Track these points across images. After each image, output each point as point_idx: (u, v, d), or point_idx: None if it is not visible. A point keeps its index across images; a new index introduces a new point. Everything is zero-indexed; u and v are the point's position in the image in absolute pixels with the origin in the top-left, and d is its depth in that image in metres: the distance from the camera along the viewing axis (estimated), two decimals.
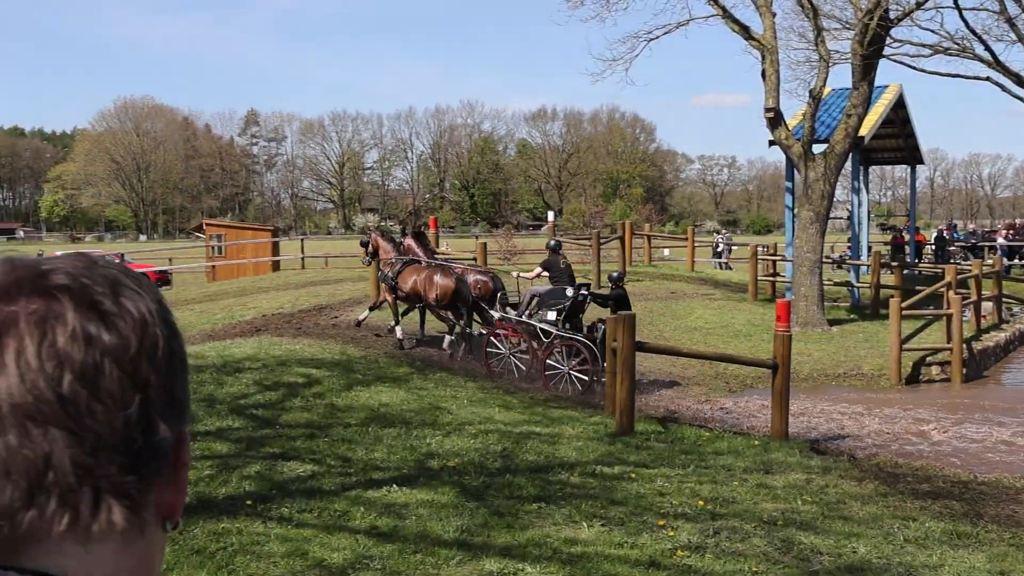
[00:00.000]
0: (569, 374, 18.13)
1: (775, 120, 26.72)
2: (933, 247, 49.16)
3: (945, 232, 51.82)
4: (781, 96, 26.64)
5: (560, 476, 10.82)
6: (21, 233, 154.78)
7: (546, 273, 20.65)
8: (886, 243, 47.78)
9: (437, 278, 19.96)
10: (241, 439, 11.69)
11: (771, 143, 27.93)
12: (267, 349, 18.00)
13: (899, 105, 35.25)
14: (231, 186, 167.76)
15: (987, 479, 12.40)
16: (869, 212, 39.11)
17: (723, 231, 61.89)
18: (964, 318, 22.94)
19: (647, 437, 13.51)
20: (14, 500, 0.94)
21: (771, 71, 26.42)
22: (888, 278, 31.50)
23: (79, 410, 0.96)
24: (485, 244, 29.53)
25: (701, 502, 9.92)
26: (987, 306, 27.39)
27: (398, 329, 20.67)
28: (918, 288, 26.78)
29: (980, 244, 49.65)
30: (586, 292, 19.41)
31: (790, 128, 27.70)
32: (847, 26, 27.84)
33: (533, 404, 15.57)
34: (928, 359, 21.96)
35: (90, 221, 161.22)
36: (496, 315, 19.65)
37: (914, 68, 28.06)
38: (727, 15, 27.30)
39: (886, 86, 33.69)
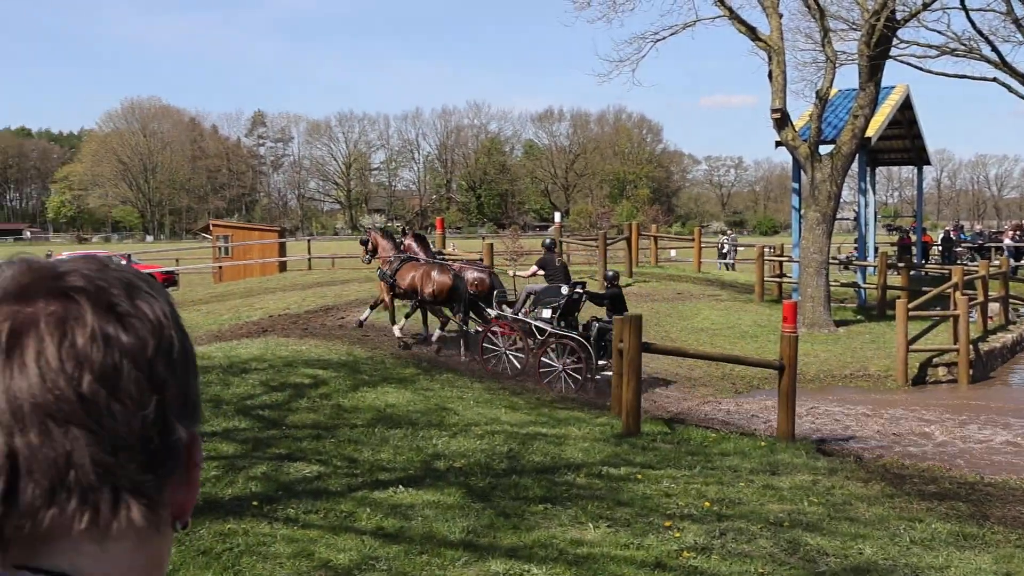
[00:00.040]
0: (563, 372, 18.21)
1: (782, 121, 26.70)
2: (940, 248, 49.03)
3: (952, 233, 51.65)
4: (788, 97, 26.65)
5: (566, 477, 10.82)
6: (28, 234, 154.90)
7: (542, 271, 20.81)
8: (893, 244, 47.71)
9: (434, 274, 20.16)
10: (247, 440, 11.70)
11: (778, 144, 27.95)
12: (273, 350, 18.00)
13: (906, 106, 35.21)
14: (238, 187, 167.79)
15: (993, 480, 12.38)
16: (876, 213, 39.11)
17: (729, 232, 61.78)
18: (971, 319, 22.91)
19: (653, 438, 13.51)
20: (36, 498, 0.95)
21: (778, 72, 26.40)
22: (895, 279, 31.49)
23: (99, 410, 0.97)
24: (492, 245, 29.52)
25: (707, 503, 9.92)
26: (994, 307, 27.36)
27: (396, 328, 20.74)
28: (925, 289, 26.72)
29: (987, 245, 49.51)
30: (581, 290, 19.49)
31: (797, 129, 27.68)
32: (854, 27, 27.84)
33: (539, 405, 15.57)
34: (935, 360, 21.95)
35: (97, 222, 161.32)
36: (493, 313, 19.75)
37: (921, 69, 28.03)
38: (734, 16, 27.29)
39: (893, 87, 33.65)
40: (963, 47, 27.15)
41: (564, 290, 19.11)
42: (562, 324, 18.86)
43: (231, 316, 25.80)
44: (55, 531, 0.97)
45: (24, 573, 0.97)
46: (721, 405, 18.51)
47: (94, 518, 0.97)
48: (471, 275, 20.66)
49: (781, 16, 26.83)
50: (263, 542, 8.07)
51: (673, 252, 51.78)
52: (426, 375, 17.03)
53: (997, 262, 32.84)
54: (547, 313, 18.93)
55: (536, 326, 18.91)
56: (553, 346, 18.50)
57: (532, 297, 19.51)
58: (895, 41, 26.88)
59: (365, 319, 21.48)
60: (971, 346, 22.07)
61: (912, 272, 32.13)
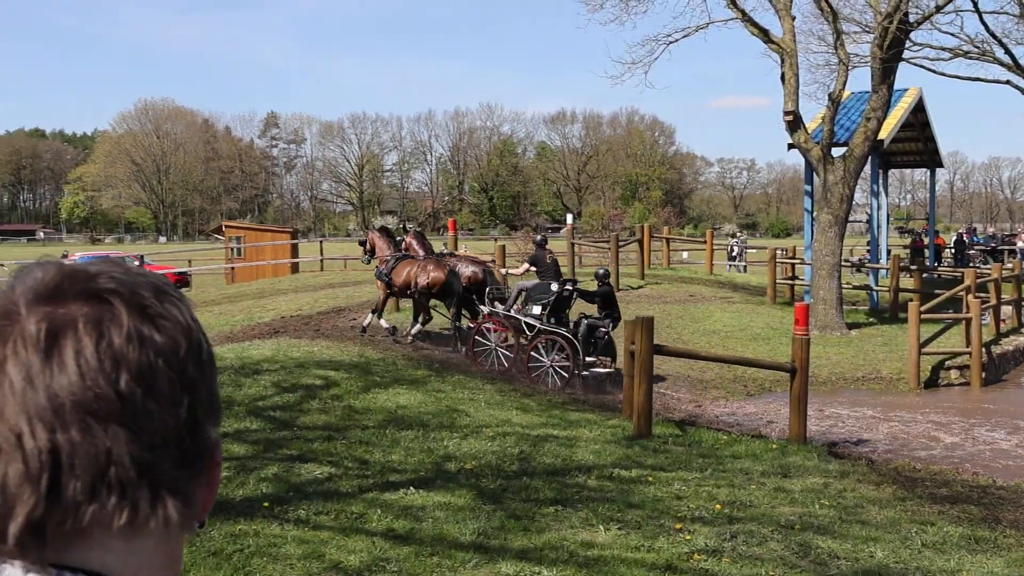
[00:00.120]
0: (551, 367, 18.36)
1: (794, 123, 26.67)
2: (952, 251, 48.94)
3: (964, 235, 51.56)
4: (800, 99, 26.62)
5: (577, 479, 10.81)
6: (41, 235, 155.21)
7: (533, 268, 20.96)
8: (905, 246, 47.63)
9: (429, 268, 20.50)
10: (259, 441, 11.71)
11: (790, 146, 27.91)
12: (285, 351, 18.02)
13: (918, 108, 35.17)
14: (250, 188, 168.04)
15: (1006, 484, 12.35)
16: (888, 215, 39.04)
17: (738, 234, 61.64)
18: (983, 322, 22.87)
19: (665, 440, 13.50)
20: (78, 493, 0.97)
21: (790, 74, 26.37)
22: (907, 282, 31.44)
23: (136, 408, 0.99)
24: (504, 247, 29.53)
25: (718, 506, 9.91)
26: (1006, 310, 27.30)
27: (382, 321, 21.19)
28: (937, 292, 26.70)
29: (1000, 248, 49.45)
30: (571, 288, 19.64)
31: (809, 131, 27.66)
32: (867, 29, 27.82)
33: (551, 407, 15.56)
34: (947, 363, 21.91)
35: (110, 223, 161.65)
36: (485, 309, 19.94)
37: (934, 71, 28.04)
38: (747, 18, 27.26)
39: (905, 89, 33.63)
40: (976, 50, 27.14)
41: (554, 287, 19.27)
42: (552, 321, 19.01)
43: (243, 317, 25.83)
44: (91, 528, 0.99)
45: (64, 573, 0.98)
46: (733, 407, 18.50)
47: (133, 514, 1.00)
48: (465, 270, 20.95)
49: (794, 18, 26.82)
50: (274, 543, 8.08)
51: (685, 254, 51.73)
52: (437, 377, 17.03)
53: (1010, 265, 32.76)
54: (537, 310, 19.09)
55: (526, 322, 19.06)
56: (542, 342, 18.64)
57: (523, 294, 19.67)
58: (908, 43, 26.86)
59: (368, 325, 21.52)
60: (983, 349, 22.02)
61: (924, 275, 32.08)
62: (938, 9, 26.33)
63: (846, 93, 29.25)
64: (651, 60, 29.79)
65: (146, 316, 1.03)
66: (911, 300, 23.60)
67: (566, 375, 18.23)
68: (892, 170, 44.32)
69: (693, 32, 28.72)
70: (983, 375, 21.53)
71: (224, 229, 48.68)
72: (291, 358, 17.25)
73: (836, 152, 27.02)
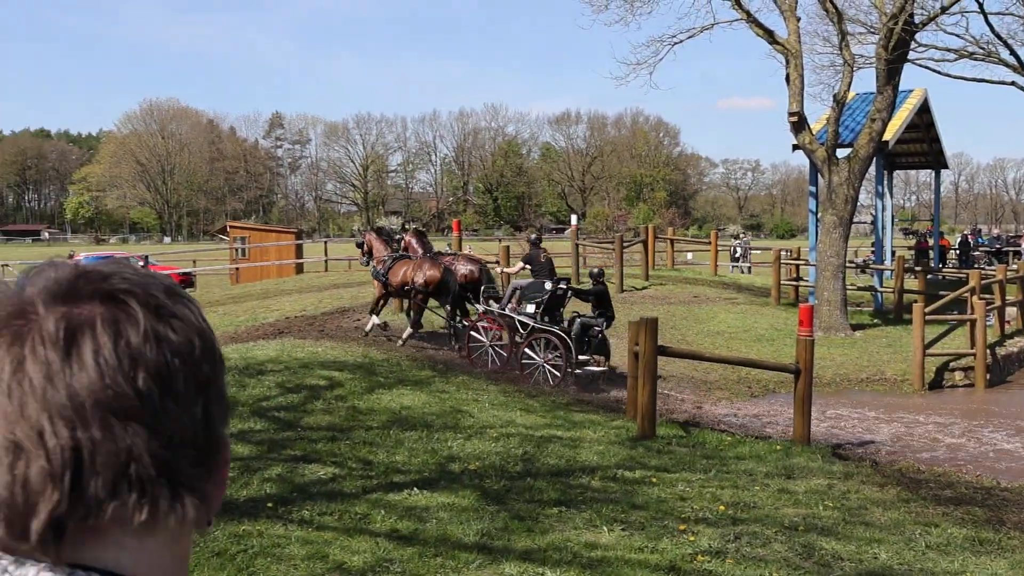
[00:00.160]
0: (544, 366, 18.51)
1: (799, 124, 26.66)
2: (957, 252, 48.93)
3: (969, 237, 51.57)
4: (805, 100, 26.61)
5: (581, 480, 10.81)
6: (46, 235, 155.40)
7: (528, 267, 21.23)
8: (910, 248, 47.61)
9: (425, 267, 20.66)
10: (263, 441, 11.72)
11: (795, 147, 27.88)
12: (290, 351, 18.03)
13: (924, 109, 35.13)
14: (255, 188, 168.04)
15: (1010, 485, 12.34)
16: (893, 217, 39.02)
17: (741, 235, 61.59)
18: (988, 323, 22.86)
19: (668, 441, 13.50)
20: (99, 490, 0.98)
21: (795, 75, 26.36)
22: (912, 283, 31.40)
23: (155, 406, 1.01)
24: (508, 247, 29.52)
25: (722, 507, 9.90)
26: (1011, 311, 27.29)
27: (374, 318, 21.53)
28: (942, 293, 26.67)
29: (1005, 249, 49.40)
30: (565, 286, 19.79)
31: (814, 132, 27.64)
32: (872, 30, 27.78)
33: (555, 408, 15.56)
34: (951, 364, 21.90)
35: (115, 223, 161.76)
36: (480, 308, 20.12)
37: (939, 73, 28.00)
38: (751, 19, 27.26)
39: (911, 90, 33.57)
40: (981, 51, 27.11)
41: (548, 286, 19.42)
42: (546, 319, 19.15)
43: (247, 317, 25.84)
44: (106, 526, 1.00)
45: (79, 573, 0.99)
46: (737, 408, 18.49)
47: (153, 511, 1.01)
48: (462, 268, 21.10)
49: (799, 19, 26.81)
50: (278, 544, 8.09)
51: (690, 255, 51.71)
52: (441, 377, 17.04)
53: (1015, 266, 32.72)
54: (531, 308, 19.25)
55: (520, 321, 19.20)
56: (536, 340, 18.77)
57: (518, 292, 19.87)
58: (913, 45, 26.83)
59: (371, 329, 21.56)
60: (988, 350, 22.02)
61: (929, 276, 32.01)
62: (943, 10, 26.31)
63: (851, 94, 29.24)
64: (656, 61, 29.82)
65: (161, 316, 1.04)
66: (915, 301, 23.56)
67: (559, 373, 18.34)
68: (897, 171, 44.25)
69: (698, 33, 28.75)
70: (987, 377, 21.52)
71: (229, 229, 48.70)
72: (295, 359, 17.27)
73: (841, 153, 26.99)
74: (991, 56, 27.21)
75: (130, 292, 1.03)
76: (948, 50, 27.46)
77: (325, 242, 53.64)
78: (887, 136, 28.46)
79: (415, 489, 9.94)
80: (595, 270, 20.77)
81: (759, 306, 29.51)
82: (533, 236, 22.70)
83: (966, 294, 24.23)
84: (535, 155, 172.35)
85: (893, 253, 34.84)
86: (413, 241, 22.18)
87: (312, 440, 11.92)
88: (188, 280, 42.05)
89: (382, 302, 21.79)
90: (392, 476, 10.54)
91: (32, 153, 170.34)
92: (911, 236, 58.47)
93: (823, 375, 20.28)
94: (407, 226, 24.82)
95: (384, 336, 21.19)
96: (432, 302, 21.15)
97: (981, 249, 49.77)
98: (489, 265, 23.45)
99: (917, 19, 26.43)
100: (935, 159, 40.67)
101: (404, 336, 20.70)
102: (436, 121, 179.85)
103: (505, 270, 23.01)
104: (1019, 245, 49.42)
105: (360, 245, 22.87)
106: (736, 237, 58.14)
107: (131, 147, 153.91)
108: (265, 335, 22.16)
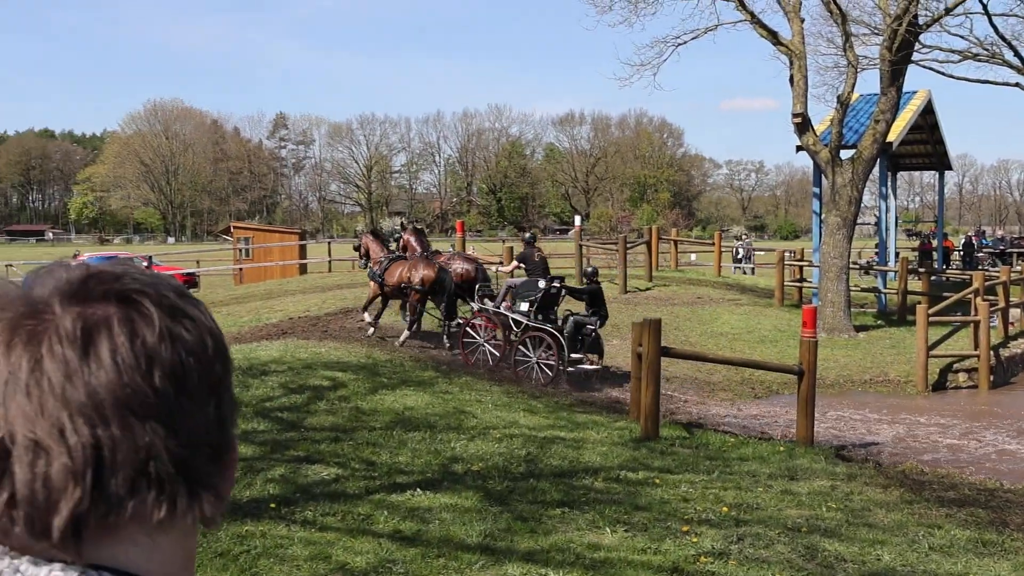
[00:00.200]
0: (537, 363, 18.63)
1: (803, 125, 26.65)
2: (961, 253, 48.90)
3: (973, 238, 51.57)
4: (809, 101, 26.58)
5: (584, 481, 10.81)
6: (50, 235, 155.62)
7: (522, 266, 21.46)
8: (914, 249, 47.59)
9: (420, 267, 20.78)
10: (266, 442, 11.72)
11: (799, 148, 27.86)
12: (293, 352, 18.03)
13: (928, 111, 35.09)
14: (259, 189, 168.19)
15: (1013, 487, 12.33)
16: (896, 218, 38.97)
17: (743, 237, 61.56)
18: (992, 325, 22.83)
19: (672, 442, 13.50)
20: (120, 488, 0.99)
21: (799, 77, 26.35)
22: (915, 284, 31.39)
23: (171, 404, 1.02)
24: (512, 248, 29.53)
25: (725, 508, 9.90)
26: (1015, 313, 27.27)
27: (367, 315, 21.88)
28: (946, 294, 26.64)
29: (1008, 251, 49.40)
30: (559, 285, 19.87)
31: (818, 133, 27.63)
32: (876, 32, 27.78)
33: (558, 409, 15.56)
34: (955, 366, 21.87)
35: (119, 223, 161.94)
36: (475, 306, 20.28)
37: (943, 74, 27.99)
38: (756, 21, 27.24)
39: (915, 92, 33.53)
40: (986, 52, 27.09)
41: (541, 284, 19.53)
42: (539, 317, 19.26)
43: (251, 318, 25.84)
44: (123, 524, 1.00)
45: (92, 573, 1.00)
46: (740, 409, 18.48)
47: (172, 509, 1.02)
48: (458, 267, 21.33)
49: (803, 21, 26.80)
50: (280, 544, 8.09)
51: (693, 256, 51.65)
52: (445, 378, 17.04)
53: (1019, 267, 32.71)
54: (525, 306, 19.38)
55: (513, 319, 19.36)
56: (529, 338, 18.88)
57: (512, 291, 19.99)
58: (917, 46, 26.81)
59: (373, 332, 21.59)
60: (992, 352, 22.00)
61: (933, 277, 32.00)
62: (947, 11, 26.28)
63: (855, 95, 29.24)
64: (660, 62, 29.78)
65: (175, 316, 1.05)
66: (919, 303, 23.53)
67: (551, 371, 18.48)
68: (901, 172, 44.18)
69: (702, 34, 28.72)
70: (991, 378, 21.49)
71: (232, 230, 48.77)
72: (298, 359, 17.27)
73: (845, 154, 26.98)
74: (995, 57, 27.20)
75: (143, 292, 1.04)
76: (952, 51, 27.46)
77: (329, 243, 53.55)
78: (891, 137, 28.43)
79: (418, 490, 9.93)
80: (589, 269, 21.03)
81: (763, 307, 29.50)
82: (527, 235, 22.92)
83: (970, 295, 24.19)
84: (539, 156, 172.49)
85: (897, 254, 34.77)
86: (412, 240, 22.44)
87: (315, 441, 11.92)
88: (192, 280, 42.07)
89: (381, 304, 21.95)
90: (395, 477, 10.54)
91: (36, 153, 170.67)
92: (915, 237, 58.46)
93: (826, 376, 20.26)
94: (405, 224, 24.93)
95: (380, 336, 21.19)
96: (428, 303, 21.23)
97: (985, 250, 49.78)
98: (492, 266, 23.57)
99: (921, 20, 26.41)
100: (939, 160, 40.63)
101: (402, 339, 20.72)
102: (440, 122, 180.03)
103: (500, 269, 23.12)
104: (1022, 246, 49.35)
105: (357, 248, 23.01)
106: (738, 239, 58.15)
107: (135, 147, 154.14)
108: (268, 336, 22.16)
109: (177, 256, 63.91)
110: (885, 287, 31.60)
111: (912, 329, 22.87)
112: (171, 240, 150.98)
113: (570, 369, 18.90)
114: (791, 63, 26.63)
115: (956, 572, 8.38)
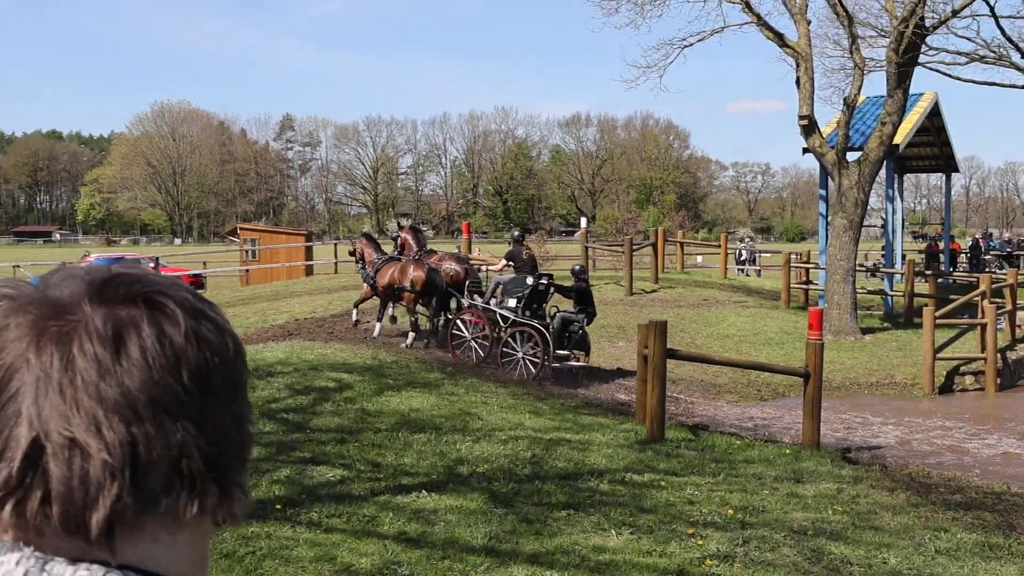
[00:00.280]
0: (523, 358, 18.86)
1: (809, 128, 26.62)
2: (968, 256, 48.80)
3: (980, 241, 51.43)
4: (815, 103, 26.56)
5: (589, 483, 10.80)
6: (57, 236, 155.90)
7: (511, 264, 21.82)
8: (920, 251, 47.52)
9: (410, 268, 21.11)
10: (271, 443, 11.72)
11: (805, 150, 27.84)
12: (299, 353, 18.03)
13: (934, 113, 35.03)
14: (265, 190, 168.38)
15: (1020, 490, 12.29)
16: (903, 220, 38.95)
17: (746, 239, 61.58)
18: (999, 327, 22.79)
19: (677, 445, 13.48)
20: (156, 485, 1.00)
21: (805, 79, 26.32)
22: (922, 287, 31.35)
23: (199, 403, 1.04)
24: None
25: (731, 511, 9.89)
26: (1022, 315, 27.19)
27: (355, 312, 22.63)
28: (952, 297, 26.58)
29: (1016, 253, 49.29)
30: (546, 281, 20.12)
31: (824, 136, 27.59)
32: (882, 34, 27.73)
33: (563, 411, 15.55)
34: (962, 368, 21.84)
35: (126, 224, 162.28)
36: (465, 303, 20.57)
37: (950, 76, 27.91)
38: (762, 23, 27.23)
39: (921, 94, 33.48)
40: (992, 54, 27.01)
41: (529, 280, 19.78)
42: (527, 314, 19.53)
43: (257, 319, 25.88)
44: (147, 522, 1.02)
45: (115, 573, 1.00)
46: (746, 412, 18.46)
47: (203, 506, 1.03)
48: (448, 268, 21.62)
49: (809, 23, 26.78)
50: (286, 545, 8.09)
51: (699, 258, 51.67)
52: (450, 380, 17.03)
53: None
54: (512, 302, 19.62)
55: (501, 314, 19.62)
56: (515, 334, 19.12)
57: (500, 287, 20.30)
58: (924, 48, 26.75)
59: (377, 331, 21.64)
60: (999, 355, 21.96)
61: (940, 280, 31.92)
62: (954, 14, 26.23)
63: (861, 97, 29.17)
64: (666, 64, 29.78)
65: (197, 318, 1.07)
66: (926, 305, 23.48)
67: (534, 370, 18.68)
68: (907, 175, 44.18)
69: (708, 36, 28.71)
70: (998, 381, 21.46)
71: (239, 231, 48.81)
72: (304, 360, 17.27)
73: (851, 156, 26.93)
74: (1002, 59, 27.13)
75: (165, 294, 1.05)
76: (959, 53, 27.39)
77: (335, 244, 53.59)
78: (898, 139, 28.39)
79: (423, 492, 9.93)
80: (577, 267, 21.36)
81: (768, 309, 29.48)
82: (516, 234, 23.46)
83: (977, 298, 24.15)
84: (545, 158, 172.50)
85: (903, 257, 34.77)
86: (409, 238, 22.76)
87: (321, 442, 11.92)
88: (198, 282, 42.10)
89: (381, 305, 22.17)
90: (400, 478, 10.54)
91: (44, 155, 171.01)
92: (921, 240, 58.39)
93: (832, 379, 20.23)
94: (402, 223, 25.15)
95: (399, 339, 21.21)
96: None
97: (992, 253, 49.66)
98: (483, 266, 23.85)
99: (928, 22, 26.35)
100: (946, 162, 40.55)
101: (408, 340, 20.76)
102: (446, 123, 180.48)
103: (489, 268, 23.40)
104: None
105: (352, 252, 23.19)
106: (741, 241, 58.17)
107: (142, 149, 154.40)
108: (274, 337, 22.20)
109: (183, 257, 63.96)
110: (891, 289, 31.55)
111: (919, 332, 22.84)
112: (178, 241, 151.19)
113: (556, 365, 19.21)
114: (797, 65, 26.60)
115: None
